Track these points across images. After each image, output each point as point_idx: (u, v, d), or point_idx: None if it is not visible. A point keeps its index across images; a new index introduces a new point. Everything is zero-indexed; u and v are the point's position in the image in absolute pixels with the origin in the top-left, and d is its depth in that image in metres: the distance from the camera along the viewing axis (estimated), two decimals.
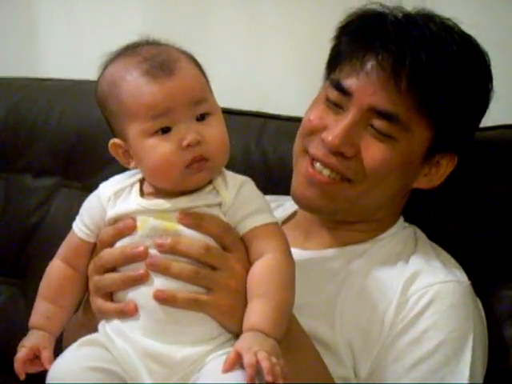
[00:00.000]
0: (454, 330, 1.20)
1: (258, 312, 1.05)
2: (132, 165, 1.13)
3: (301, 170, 1.31)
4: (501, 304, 1.34)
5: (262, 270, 1.08)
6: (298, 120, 1.68)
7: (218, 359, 1.03)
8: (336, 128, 1.25)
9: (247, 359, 0.98)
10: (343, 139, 1.24)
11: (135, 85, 1.08)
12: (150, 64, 1.09)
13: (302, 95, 1.81)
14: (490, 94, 1.31)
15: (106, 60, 1.14)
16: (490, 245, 1.39)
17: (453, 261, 1.31)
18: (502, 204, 1.39)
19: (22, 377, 1.09)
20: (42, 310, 1.15)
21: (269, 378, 0.97)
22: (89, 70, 1.21)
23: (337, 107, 1.28)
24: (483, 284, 1.32)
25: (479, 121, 1.33)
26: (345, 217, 1.32)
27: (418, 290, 1.22)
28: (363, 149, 1.25)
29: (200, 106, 1.09)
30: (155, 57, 1.09)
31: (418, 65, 1.22)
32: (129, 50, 1.13)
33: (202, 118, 1.09)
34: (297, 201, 1.32)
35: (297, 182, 1.32)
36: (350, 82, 1.26)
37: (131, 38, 1.15)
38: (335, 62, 1.31)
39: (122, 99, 1.09)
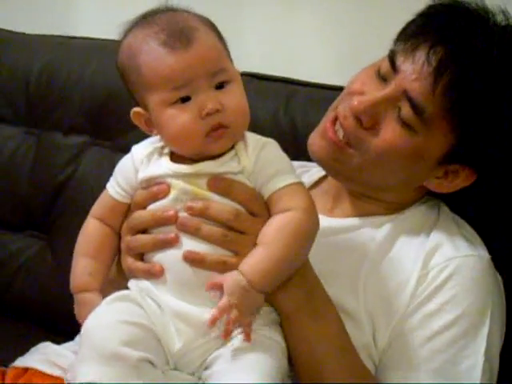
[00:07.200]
0: (472, 303, 1.21)
1: (255, 260, 1.07)
2: (154, 132, 1.14)
3: (322, 122, 1.32)
4: None
5: (277, 222, 1.09)
6: (327, 88, 1.69)
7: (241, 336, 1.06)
8: (368, 96, 1.25)
9: (222, 303, 1.03)
10: (368, 108, 1.24)
11: (153, 57, 1.08)
12: (167, 34, 1.08)
13: (330, 64, 1.83)
14: None
15: (125, 30, 1.13)
16: None
17: (475, 235, 1.31)
18: None
19: None
20: (84, 268, 1.15)
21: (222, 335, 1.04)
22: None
23: (382, 79, 1.27)
24: (504, 259, 1.32)
25: (507, 145, 1.27)
26: (352, 186, 1.33)
27: (438, 264, 1.23)
28: (381, 127, 1.24)
29: (219, 75, 1.09)
30: (172, 26, 1.09)
31: (463, 78, 1.19)
32: (146, 19, 1.12)
33: (220, 86, 1.09)
34: (308, 146, 1.32)
35: (315, 130, 1.32)
36: (401, 60, 1.24)
37: None
38: (402, 35, 1.28)
39: (141, 71, 1.09)
